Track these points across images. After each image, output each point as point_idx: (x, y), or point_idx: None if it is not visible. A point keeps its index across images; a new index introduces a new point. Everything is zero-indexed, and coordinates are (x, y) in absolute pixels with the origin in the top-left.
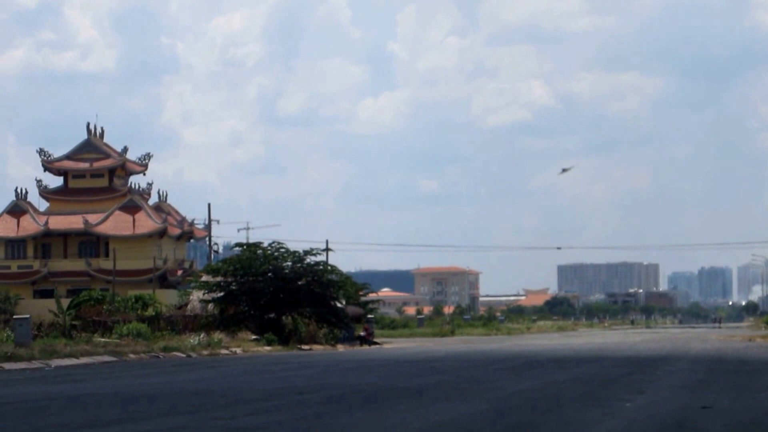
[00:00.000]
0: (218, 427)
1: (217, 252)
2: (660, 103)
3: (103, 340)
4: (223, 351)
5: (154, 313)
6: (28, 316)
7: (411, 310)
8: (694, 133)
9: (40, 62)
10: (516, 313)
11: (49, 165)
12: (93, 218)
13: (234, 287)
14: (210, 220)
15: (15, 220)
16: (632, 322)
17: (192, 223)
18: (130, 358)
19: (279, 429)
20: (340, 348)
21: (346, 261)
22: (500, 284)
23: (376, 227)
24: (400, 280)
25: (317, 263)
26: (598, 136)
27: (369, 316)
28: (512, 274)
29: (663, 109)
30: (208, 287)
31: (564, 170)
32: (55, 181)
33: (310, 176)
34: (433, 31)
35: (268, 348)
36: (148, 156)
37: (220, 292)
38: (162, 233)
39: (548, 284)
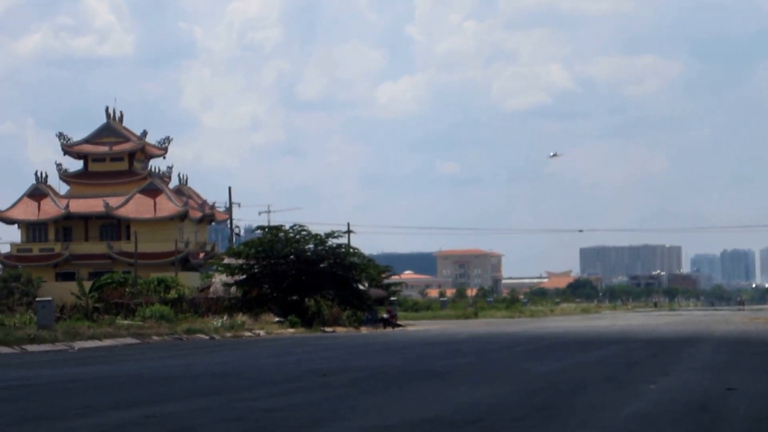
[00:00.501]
0: (242, 409)
1: (238, 235)
2: (680, 86)
3: (126, 322)
4: (247, 333)
5: (176, 296)
6: (50, 298)
7: (433, 293)
8: (715, 115)
9: (58, 47)
10: (539, 295)
11: (68, 149)
12: (113, 201)
13: (256, 270)
14: (231, 204)
15: (36, 204)
16: (655, 305)
17: (213, 207)
18: (154, 341)
19: (303, 411)
20: (364, 330)
21: (367, 244)
22: (523, 267)
23: (398, 210)
24: (423, 262)
25: (339, 246)
26: (618, 119)
27: (392, 298)
28: (535, 257)
29: (683, 92)
30: (230, 270)
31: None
32: (74, 165)
33: (331, 160)
34: (451, 14)
35: (291, 330)
36: (168, 140)
37: (243, 274)
38: (183, 216)
39: (571, 267)
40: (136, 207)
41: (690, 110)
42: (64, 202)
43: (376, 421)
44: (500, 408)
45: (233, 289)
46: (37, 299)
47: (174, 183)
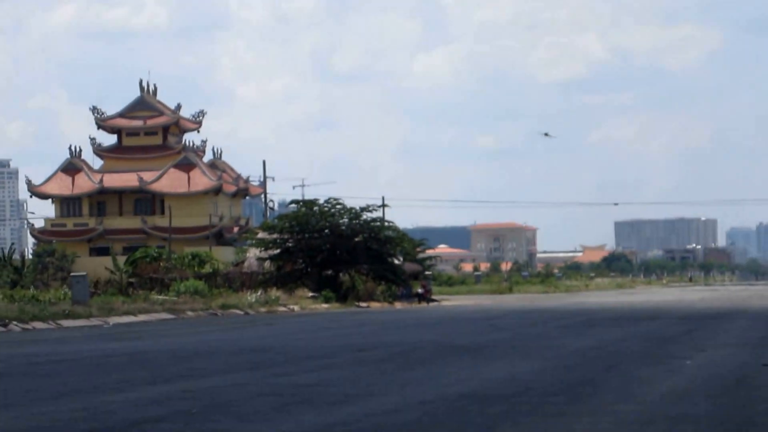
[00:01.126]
0: (278, 384)
1: (272, 209)
2: (719, 57)
3: (160, 297)
4: (281, 308)
5: (211, 271)
6: (84, 273)
7: (468, 267)
8: (753, 86)
9: (92, 19)
10: (573, 269)
11: (102, 123)
12: (147, 176)
13: (291, 244)
14: (265, 177)
15: (70, 178)
16: (690, 279)
17: (247, 180)
18: (188, 316)
19: (339, 386)
20: (398, 305)
21: (402, 218)
22: (557, 240)
23: (433, 183)
24: (457, 236)
25: (374, 219)
26: (655, 90)
27: (426, 272)
28: (569, 231)
29: (722, 63)
30: (264, 244)
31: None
32: (108, 139)
33: (366, 132)
34: None
35: (325, 305)
36: (202, 113)
37: (277, 249)
38: (217, 190)
39: (605, 240)
40: (170, 181)
41: (729, 81)
42: (98, 176)
43: (412, 396)
44: (536, 383)
45: (267, 263)
46: (72, 274)
47: (208, 157)
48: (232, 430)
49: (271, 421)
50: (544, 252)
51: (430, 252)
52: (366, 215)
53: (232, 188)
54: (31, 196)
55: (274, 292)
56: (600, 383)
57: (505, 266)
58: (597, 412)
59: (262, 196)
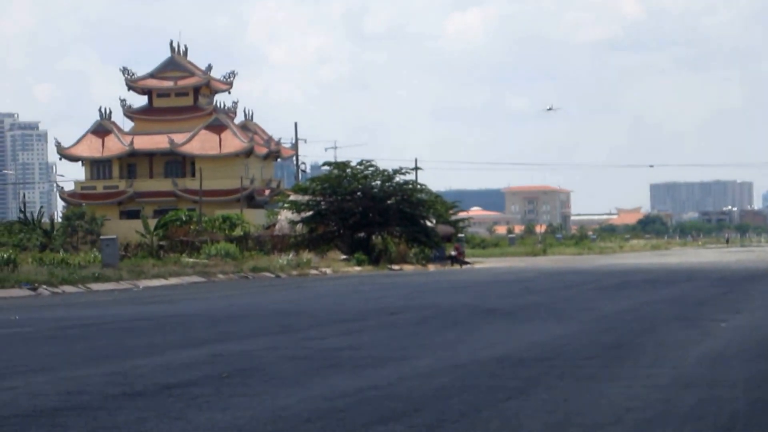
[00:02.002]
0: (309, 348)
1: (304, 171)
2: (755, 16)
3: (191, 260)
4: (313, 271)
5: (242, 233)
6: (115, 236)
7: (501, 230)
8: None
9: None
10: (608, 232)
11: (132, 84)
12: (178, 138)
13: (323, 206)
14: (297, 139)
15: (100, 140)
16: (727, 241)
17: (279, 142)
18: (219, 279)
19: (371, 349)
20: (431, 268)
21: (435, 180)
22: (592, 203)
23: (466, 145)
24: (491, 199)
25: (406, 182)
26: (691, 51)
27: (459, 235)
28: (604, 193)
29: (758, 22)
30: (296, 207)
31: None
32: (139, 101)
33: (398, 94)
34: None
35: (357, 268)
36: (233, 74)
37: (309, 211)
38: (249, 152)
39: (640, 203)
40: (201, 143)
41: (766, 41)
42: (128, 138)
43: (445, 359)
44: (570, 347)
45: (299, 226)
46: (102, 237)
47: (239, 119)
48: (262, 393)
49: (302, 385)
50: (579, 215)
51: (463, 214)
52: (399, 178)
53: (264, 150)
54: (60, 159)
55: (306, 255)
56: (635, 346)
57: (539, 229)
58: (631, 376)
59: (294, 158)
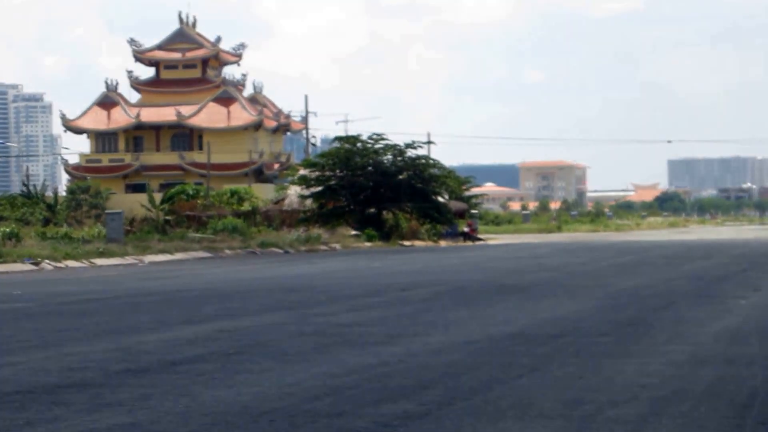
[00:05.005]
0: (318, 324)
1: (314, 145)
2: None
3: (197, 235)
4: (322, 247)
5: (250, 208)
6: (120, 210)
7: (516, 206)
8: None
9: None
10: (625, 208)
11: (140, 55)
12: (186, 110)
13: (333, 181)
14: (307, 113)
15: (105, 113)
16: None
17: (288, 116)
18: (226, 254)
19: (381, 326)
20: (443, 244)
21: (448, 155)
22: (608, 179)
23: (480, 119)
24: (505, 174)
25: (419, 157)
26: (714, 25)
27: (472, 211)
28: (621, 169)
29: None
30: (305, 181)
31: None
32: (146, 72)
33: (412, 68)
34: None
35: (368, 244)
36: (243, 46)
37: (319, 186)
38: (258, 126)
39: (658, 179)
40: (209, 116)
41: None
42: (134, 110)
43: (457, 336)
44: (585, 323)
45: (309, 201)
46: (107, 212)
47: (248, 91)
48: (269, 370)
49: (311, 361)
50: (595, 191)
51: (476, 190)
52: (410, 152)
53: (273, 123)
54: (65, 131)
55: (315, 230)
56: (651, 323)
57: (554, 205)
58: (647, 353)
59: (304, 131)
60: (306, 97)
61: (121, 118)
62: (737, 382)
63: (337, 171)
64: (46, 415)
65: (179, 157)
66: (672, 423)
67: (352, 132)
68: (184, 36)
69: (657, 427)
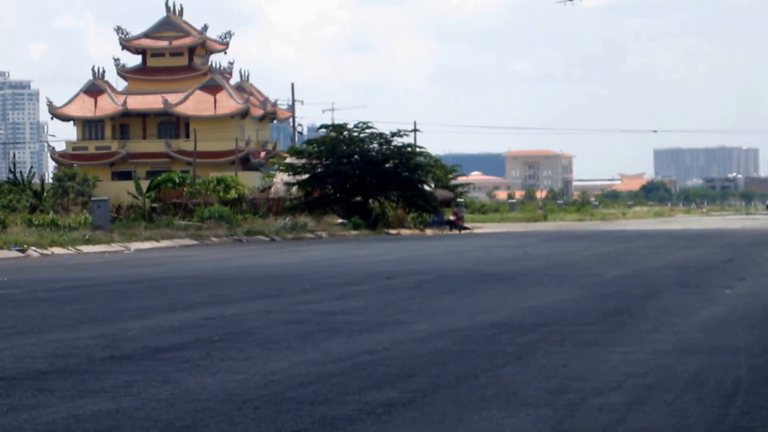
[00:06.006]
0: (303, 312)
1: (301, 133)
2: None
3: (183, 222)
4: (308, 235)
5: (236, 196)
6: (106, 198)
7: (502, 195)
8: None
9: None
10: (611, 198)
11: (127, 43)
12: (172, 98)
13: (319, 169)
14: (294, 101)
15: (92, 100)
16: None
17: (275, 104)
18: (212, 242)
19: (367, 314)
20: (429, 232)
21: (434, 144)
22: (594, 168)
23: (467, 109)
24: (491, 163)
25: (405, 145)
26: (700, 16)
27: (459, 200)
28: (607, 159)
29: None
30: (292, 169)
31: None
32: (133, 60)
33: (399, 57)
34: None
35: (354, 232)
36: (229, 34)
37: (305, 174)
38: (244, 114)
39: (644, 169)
40: (195, 104)
41: None
42: (121, 98)
43: (442, 324)
44: (570, 312)
45: (295, 189)
46: (93, 199)
47: (235, 79)
48: (254, 357)
49: (296, 349)
50: (581, 180)
51: (462, 179)
52: (397, 141)
53: (260, 111)
54: (52, 119)
55: (302, 219)
56: (636, 312)
57: (540, 194)
58: (633, 342)
59: (291, 120)
60: (292, 85)
61: (107, 105)
62: (722, 372)
63: (324, 159)
64: (30, 401)
65: (166, 144)
66: (656, 411)
67: (338, 120)
68: (170, 24)
69: (641, 416)
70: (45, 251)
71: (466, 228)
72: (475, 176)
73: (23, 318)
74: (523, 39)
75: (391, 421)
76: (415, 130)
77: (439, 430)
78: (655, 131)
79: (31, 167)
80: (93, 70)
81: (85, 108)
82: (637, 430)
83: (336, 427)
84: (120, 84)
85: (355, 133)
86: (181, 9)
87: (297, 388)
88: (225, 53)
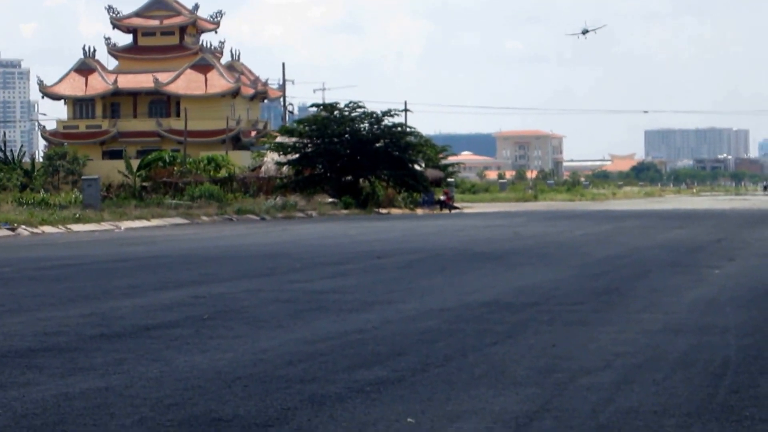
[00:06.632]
0: (293, 291)
1: (291, 113)
2: None
3: (174, 202)
4: (299, 214)
5: (227, 175)
6: (97, 177)
7: (492, 175)
8: None
9: None
10: (601, 178)
11: (118, 22)
12: (163, 77)
13: (310, 149)
14: (284, 80)
15: (83, 79)
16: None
17: (266, 83)
18: (203, 221)
19: (356, 293)
20: (420, 212)
21: (425, 123)
22: (585, 149)
23: (457, 89)
24: (482, 143)
25: (396, 125)
26: None
27: (449, 179)
28: (597, 139)
29: None
30: (282, 149)
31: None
32: (124, 39)
33: (390, 36)
34: None
35: (345, 211)
36: (220, 14)
37: (296, 153)
38: (235, 93)
39: (634, 149)
40: (186, 83)
41: None
42: (112, 77)
43: (432, 303)
44: (560, 292)
45: (285, 168)
46: (83, 177)
47: (226, 59)
48: (243, 336)
49: (285, 327)
50: (571, 160)
51: (453, 159)
52: (387, 120)
53: (250, 91)
54: (42, 97)
55: (292, 198)
56: (626, 292)
57: (531, 174)
58: (622, 321)
59: (281, 99)
60: (283, 64)
61: (98, 84)
62: (711, 351)
63: (314, 138)
64: (20, 379)
65: (156, 123)
66: (645, 391)
67: (329, 100)
68: (161, 3)
69: (630, 395)
70: (35, 230)
71: (457, 208)
72: (466, 156)
73: (13, 296)
74: (515, 19)
75: (380, 399)
76: (405, 110)
77: (428, 408)
78: (645, 112)
79: (22, 146)
80: (84, 49)
81: (75, 87)
82: (626, 410)
83: (325, 405)
84: (111, 63)
85: (346, 113)
86: None
87: (286, 366)
88: (216, 32)
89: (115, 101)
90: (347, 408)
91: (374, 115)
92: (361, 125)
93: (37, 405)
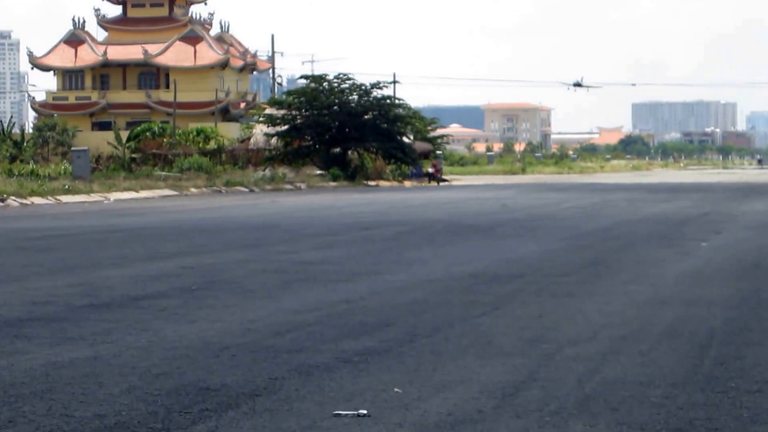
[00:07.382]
0: (282, 261)
1: (280, 84)
2: None
3: (163, 173)
4: (287, 186)
5: (216, 147)
6: (86, 148)
7: (480, 147)
8: None
9: None
10: (589, 151)
11: None
12: (153, 48)
13: (299, 120)
14: (273, 52)
15: (72, 50)
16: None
17: (255, 55)
18: (191, 192)
19: (345, 263)
20: (408, 184)
21: (414, 96)
22: (573, 122)
23: (446, 60)
24: (470, 115)
25: (384, 97)
26: None
27: (437, 152)
28: (585, 112)
29: None
30: (271, 121)
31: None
32: (113, 11)
33: (378, 6)
34: None
35: (333, 183)
36: None
37: (285, 125)
38: (224, 65)
39: (622, 122)
40: (175, 54)
41: None
42: (101, 48)
43: (419, 274)
44: (547, 264)
45: (274, 140)
46: (73, 149)
47: (215, 30)
48: (231, 306)
49: (273, 298)
50: (559, 133)
51: (441, 131)
52: (376, 92)
53: (240, 63)
54: (32, 68)
55: (281, 170)
56: (612, 264)
57: (519, 147)
58: (609, 293)
59: (270, 71)
60: (272, 36)
61: (88, 56)
62: (696, 323)
63: (303, 110)
64: (8, 348)
65: (146, 95)
66: (631, 362)
67: (318, 72)
68: None
69: (615, 366)
70: (25, 201)
71: (445, 180)
72: (454, 128)
73: (2, 266)
74: None
75: (367, 369)
76: (394, 82)
77: (415, 379)
78: (633, 85)
79: (11, 117)
80: (74, 20)
81: (65, 58)
82: (612, 380)
83: (312, 375)
84: (100, 34)
85: (335, 85)
86: None
87: (274, 336)
88: (205, 4)
89: (105, 73)
90: (334, 378)
91: (363, 87)
92: (350, 97)
93: (25, 374)
